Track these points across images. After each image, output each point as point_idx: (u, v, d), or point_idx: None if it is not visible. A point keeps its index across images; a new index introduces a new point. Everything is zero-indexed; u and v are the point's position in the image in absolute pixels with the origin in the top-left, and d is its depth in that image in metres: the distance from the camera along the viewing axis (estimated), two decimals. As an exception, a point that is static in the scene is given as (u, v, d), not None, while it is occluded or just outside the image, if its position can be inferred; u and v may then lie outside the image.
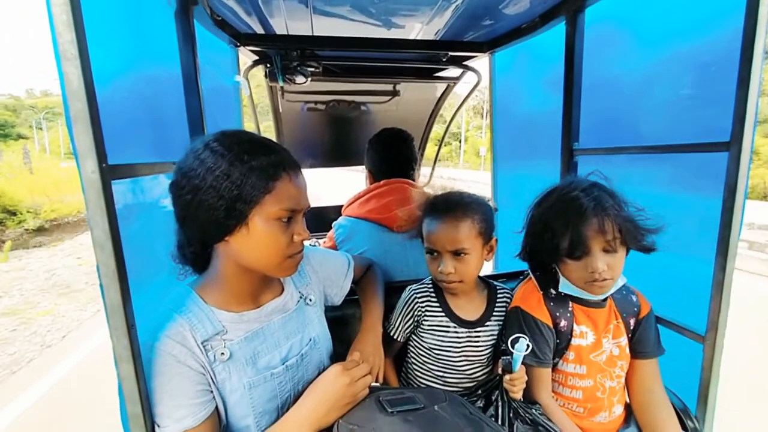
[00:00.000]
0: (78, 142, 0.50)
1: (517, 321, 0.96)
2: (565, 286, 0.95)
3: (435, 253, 0.96)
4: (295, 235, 0.72)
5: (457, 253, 0.93)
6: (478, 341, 1.00)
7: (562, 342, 0.96)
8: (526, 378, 0.83)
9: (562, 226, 0.88)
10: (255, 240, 0.68)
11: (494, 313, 1.02)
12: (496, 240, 0.99)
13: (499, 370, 0.84)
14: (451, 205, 0.96)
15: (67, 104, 0.49)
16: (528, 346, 0.80)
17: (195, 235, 0.71)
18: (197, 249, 0.74)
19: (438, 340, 1.00)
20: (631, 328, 1.00)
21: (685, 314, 0.99)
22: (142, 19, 0.87)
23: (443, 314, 1.00)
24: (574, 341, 0.96)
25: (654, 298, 1.02)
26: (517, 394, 0.83)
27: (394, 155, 1.50)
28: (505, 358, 0.82)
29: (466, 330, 0.99)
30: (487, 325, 1.00)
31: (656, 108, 1.11)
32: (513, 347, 0.80)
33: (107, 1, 0.68)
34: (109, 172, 0.53)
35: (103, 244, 0.53)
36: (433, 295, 1.02)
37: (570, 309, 0.97)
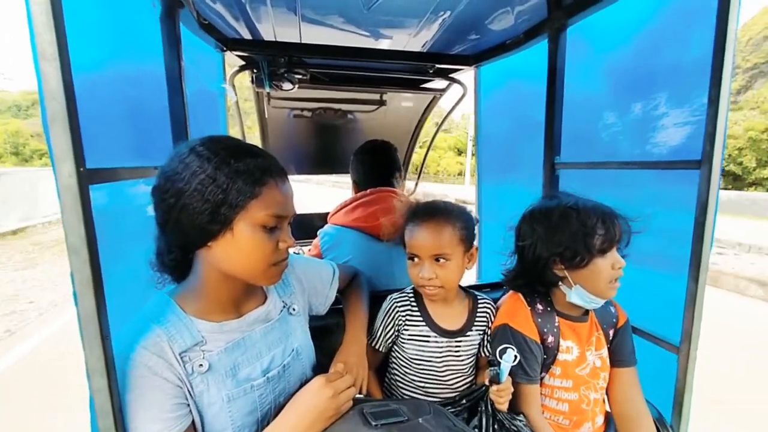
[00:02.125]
0: (55, 145, 0.48)
1: (505, 338, 0.96)
2: (577, 295, 0.93)
3: (416, 259, 0.96)
4: (281, 242, 0.71)
5: (438, 259, 0.93)
6: (459, 351, 0.99)
7: (549, 357, 0.97)
8: (512, 389, 0.84)
9: (597, 221, 0.89)
10: (239, 246, 0.67)
11: (475, 323, 1.02)
12: (477, 249, 1.00)
13: (486, 381, 0.84)
14: (433, 212, 0.96)
15: (44, 104, 0.48)
16: (516, 357, 0.80)
17: (177, 240, 0.68)
18: (178, 256, 0.71)
19: (419, 350, 0.99)
20: (610, 338, 1.02)
21: (661, 326, 1.02)
22: (126, 21, 0.85)
23: (423, 323, 1.00)
24: (561, 356, 0.97)
25: (631, 309, 1.05)
26: (503, 406, 0.83)
27: (378, 165, 1.51)
28: (492, 369, 0.82)
29: (447, 340, 0.99)
30: (468, 335, 1.00)
31: (633, 125, 1.16)
32: (500, 357, 0.81)
33: (90, 2, 0.66)
34: (86, 177, 0.51)
35: (79, 251, 0.50)
36: (414, 304, 1.02)
37: (556, 324, 0.98)
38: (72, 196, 0.49)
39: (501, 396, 0.82)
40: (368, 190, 1.43)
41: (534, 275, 0.99)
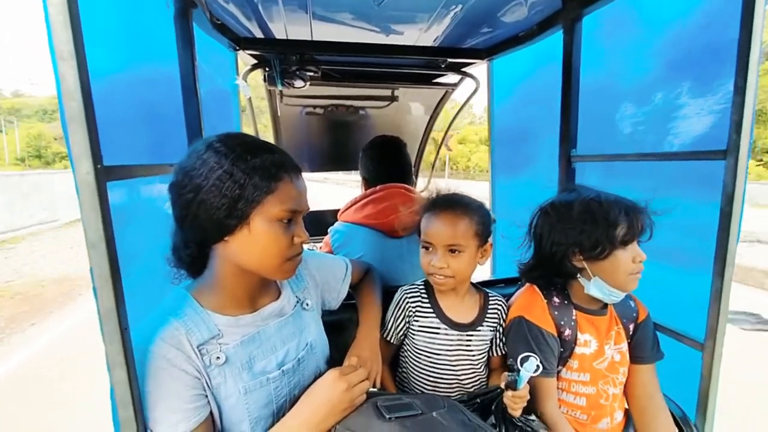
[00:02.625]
0: (73, 143, 0.49)
1: (521, 331, 0.95)
2: (596, 287, 0.92)
3: (430, 248, 0.96)
4: (295, 236, 0.72)
5: (452, 250, 0.94)
6: (470, 345, 0.99)
7: (566, 350, 0.95)
8: (528, 397, 0.81)
9: (620, 212, 0.88)
10: (256, 240, 0.68)
11: (486, 319, 1.01)
12: (491, 245, 0.99)
13: (502, 385, 0.82)
14: (451, 203, 0.97)
15: (62, 104, 0.49)
16: (538, 367, 0.78)
17: (194, 235, 0.70)
18: (194, 251, 0.73)
19: (428, 342, 0.99)
20: (630, 333, 1.00)
21: (685, 321, 0.99)
22: (140, 21, 0.87)
23: (434, 315, 1.00)
24: (578, 350, 0.95)
25: (653, 305, 1.02)
26: (517, 412, 0.81)
27: (389, 161, 1.50)
28: (510, 374, 0.80)
29: (458, 333, 0.99)
30: (480, 330, 1.00)
31: (654, 115, 1.12)
32: (521, 365, 0.79)
33: (105, 2, 0.68)
34: (104, 174, 0.52)
35: (97, 246, 0.52)
36: (424, 295, 1.02)
37: (574, 317, 0.96)
38: (90, 192, 0.50)
39: (516, 402, 0.80)
40: (378, 187, 1.42)
41: (551, 266, 0.97)
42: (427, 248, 0.98)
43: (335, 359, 0.90)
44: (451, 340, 0.98)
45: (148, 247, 0.76)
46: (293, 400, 0.77)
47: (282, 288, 0.85)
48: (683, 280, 1.01)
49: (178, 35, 0.99)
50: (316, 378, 0.77)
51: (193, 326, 0.69)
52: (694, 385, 0.93)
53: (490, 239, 0.99)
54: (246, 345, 0.74)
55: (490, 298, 1.05)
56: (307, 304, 0.88)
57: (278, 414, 0.77)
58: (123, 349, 0.55)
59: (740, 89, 0.78)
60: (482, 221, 0.96)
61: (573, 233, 0.91)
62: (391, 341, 1.05)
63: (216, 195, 0.64)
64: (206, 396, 0.70)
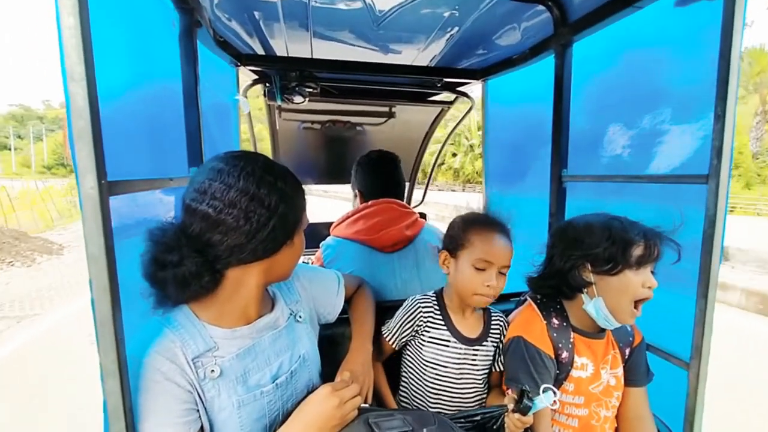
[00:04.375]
0: (79, 159, 0.51)
1: (519, 351, 0.95)
2: (594, 307, 0.92)
3: (487, 268, 0.96)
4: None
5: (502, 272, 0.97)
6: (475, 359, 1.01)
7: (562, 373, 0.95)
8: (531, 422, 0.82)
9: (639, 233, 0.89)
10: (296, 253, 0.81)
11: (490, 334, 1.04)
12: None
13: (510, 406, 0.81)
14: (499, 224, 1.01)
15: (71, 122, 0.51)
16: (555, 402, 0.78)
17: (232, 256, 0.69)
18: (207, 275, 0.68)
19: (437, 354, 1.01)
20: (626, 357, 1.01)
21: (672, 341, 1.01)
22: (146, 41, 0.90)
23: (445, 328, 1.02)
24: (575, 373, 0.96)
25: (641, 323, 1.03)
26: None
27: (383, 175, 1.51)
28: (525, 402, 0.78)
29: (465, 347, 1.01)
30: (485, 345, 1.02)
31: (641, 139, 1.16)
32: (542, 392, 0.79)
33: (116, 24, 0.71)
34: (107, 189, 0.54)
35: (97, 259, 0.53)
36: (437, 307, 1.04)
37: (571, 340, 0.96)
38: (93, 207, 0.52)
39: (518, 427, 0.81)
40: (370, 202, 1.43)
41: (561, 277, 0.97)
42: (483, 269, 0.96)
43: (327, 374, 0.90)
44: (459, 353, 1.00)
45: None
46: (286, 414, 0.77)
47: (275, 300, 0.86)
48: (669, 299, 1.03)
49: (182, 53, 1.02)
50: (308, 391, 0.78)
51: (188, 338, 0.69)
52: (681, 404, 0.94)
53: None
54: (242, 358, 0.74)
55: (492, 314, 1.07)
56: (300, 317, 0.89)
57: (271, 428, 0.76)
58: (117, 360, 0.56)
59: (720, 117, 0.82)
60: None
61: (588, 243, 0.91)
62: (392, 345, 1.06)
63: (280, 221, 0.71)
64: (197, 410, 0.70)
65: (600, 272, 0.91)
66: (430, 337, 1.02)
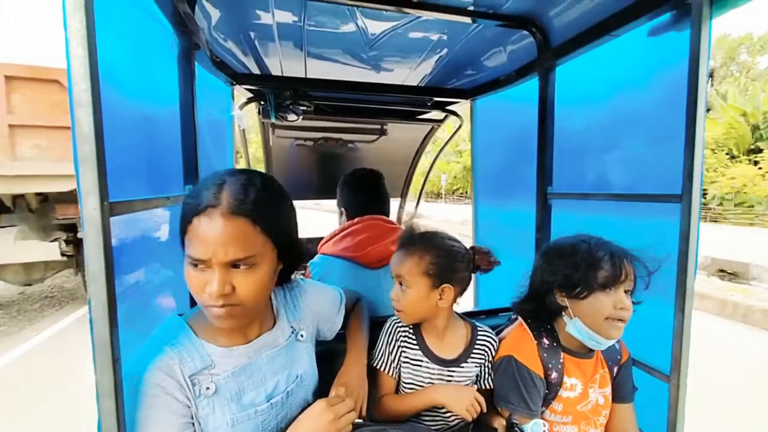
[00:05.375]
0: (83, 181, 0.53)
1: (510, 370, 0.96)
2: (574, 327, 0.94)
3: (394, 278, 1.02)
4: None
5: (400, 283, 0.99)
6: (451, 381, 0.99)
7: (551, 393, 0.97)
8: None
9: (605, 255, 0.90)
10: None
11: (473, 354, 1.02)
12: (451, 290, 0.97)
13: (498, 428, 0.84)
14: (406, 240, 1.02)
15: (76, 146, 0.53)
16: None
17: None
18: None
19: (411, 375, 1.00)
20: (614, 375, 1.03)
21: (654, 355, 1.04)
22: (147, 64, 0.92)
23: (417, 348, 1.01)
24: (563, 393, 0.97)
25: (624, 338, 1.06)
26: None
27: (368, 192, 1.52)
28: (517, 427, 0.82)
29: (439, 368, 0.99)
30: (463, 366, 1.00)
31: (620, 159, 1.22)
32: (531, 429, 0.83)
33: (120, 52, 0.73)
34: (108, 210, 0.56)
35: (97, 279, 0.54)
36: (411, 328, 1.03)
37: (561, 360, 0.97)
38: (95, 228, 0.54)
39: None
40: (356, 219, 1.44)
41: (540, 301, 1.00)
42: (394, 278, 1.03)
43: (322, 389, 0.90)
44: (432, 374, 0.99)
45: (145, 277, 0.78)
46: None
47: (278, 317, 0.85)
48: (648, 312, 1.07)
49: (180, 75, 1.04)
50: (303, 409, 0.79)
51: (186, 356, 0.70)
52: (663, 417, 0.97)
53: (452, 284, 0.97)
54: (237, 376, 0.75)
55: (479, 333, 1.04)
56: (302, 336, 0.88)
57: None
58: (113, 380, 0.57)
59: (690, 141, 0.87)
60: (437, 262, 0.95)
61: (556, 269, 0.95)
62: (391, 375, 1.02)
63: None
64: (193, 425, 0.70)
65: (570, 296, 0.94)
66: (406, 357, 1.01)
